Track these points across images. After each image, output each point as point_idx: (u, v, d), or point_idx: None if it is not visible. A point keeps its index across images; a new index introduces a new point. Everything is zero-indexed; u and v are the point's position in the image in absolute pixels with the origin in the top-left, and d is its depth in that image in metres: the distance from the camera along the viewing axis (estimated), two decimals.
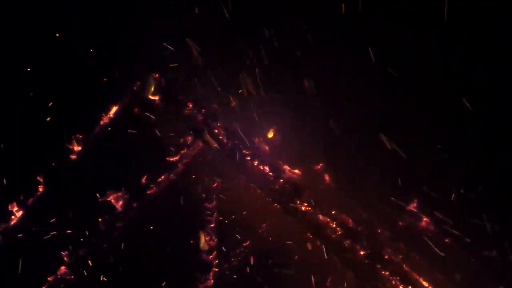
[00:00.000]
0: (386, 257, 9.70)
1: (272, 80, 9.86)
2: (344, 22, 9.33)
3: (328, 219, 9.84)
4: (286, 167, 9.99)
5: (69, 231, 9.90)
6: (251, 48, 9.85)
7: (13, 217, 9.94)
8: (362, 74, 9.56)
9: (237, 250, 9.95)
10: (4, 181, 9.84)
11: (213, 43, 9.94)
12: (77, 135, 10.03)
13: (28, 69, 9.85)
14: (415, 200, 9.64)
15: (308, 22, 9.45)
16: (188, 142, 10.19)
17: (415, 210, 9.69)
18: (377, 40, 9.28)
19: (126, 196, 9.98)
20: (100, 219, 9.96)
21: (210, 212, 10.00)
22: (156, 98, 10.16)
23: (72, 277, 9.84)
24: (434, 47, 9.17)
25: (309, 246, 9.79)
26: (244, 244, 9.98)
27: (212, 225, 9.98)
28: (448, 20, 8.81)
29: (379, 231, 9.75)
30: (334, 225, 9.83)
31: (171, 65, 9.93)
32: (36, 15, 9.95)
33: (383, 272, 9.71)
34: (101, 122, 10.11)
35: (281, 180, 9.94)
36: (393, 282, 9.67)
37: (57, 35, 10.04)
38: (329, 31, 9.47)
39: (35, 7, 9.95)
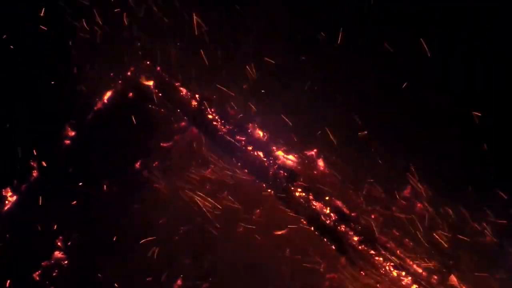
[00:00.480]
0: (380, 243, 9.68)
1: (266, 66, 9.84)
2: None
3: (322, 205, 9.82)
4: (280, 153, 9.97)
5: (63, 217, 9.89)
6: (248, 34, 9.85)
7: (6, 202, 9.95)
8: (356, 63, 9.56)
9: (230, 237, 9.92)
10: None
11: (209, 30, 9.94)
12: (71, 121, 10.02)
13: (19, 55, 9.82)
14: (409, 187, 9.61)
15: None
16: (182, 128, 10.17)
17: (409, 196, 9.67)
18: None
19: (119, 182, 9.97)
20: (94, 205, 9.95)
21: (203, 199, 9.98)
22: (151, 83, 10.14)
23: (66, 262, 9.83)
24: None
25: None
26: (237, 230, 9.95)
27: (205, 211, 9.97)
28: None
29: (373, 216, 9.72)
30: (328, 211, 9.81)
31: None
32: None
33: (377, 258, 9.69)
34: (95, 108, 10.09)
35: (275, 166, 9.92)
36: (387, 268, 9.66)
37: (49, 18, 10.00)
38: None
39: None
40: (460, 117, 9.05)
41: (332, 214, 9.79)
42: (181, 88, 10.09)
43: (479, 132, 8.95)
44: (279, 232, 9.80)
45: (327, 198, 9.83)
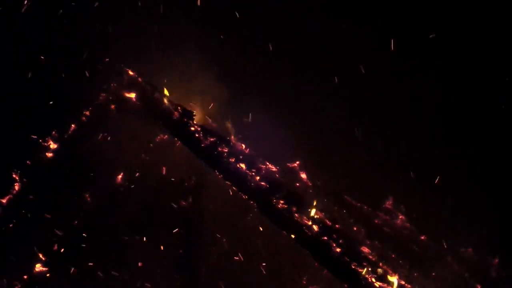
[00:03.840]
0: (362, 255, 9.67)
1: (250, 79, 9.89)
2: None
3: (304, 217, 9.80)
4: (263, 165, 9.95)
5: (45, 229, 9.87)
6: (228, 46, 9.91)
7: None
8: (341, 74, 9.62)
9: (213, 248, 9.94)
10: None
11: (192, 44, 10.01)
12: (53, 133, 9.98)
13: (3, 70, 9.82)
14: (391, 198, 9.64)
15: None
16: (164, 140, 10.18)
17: (390, 208, 9.69)
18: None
19: (101, 194, 9.96)
20: (76, 217, 9.93)
21: (185, 210, 9.99)
22: (133, 95, 10.12)
23: (48, 275, 9.79)
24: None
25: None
26: (220, 242, 9.98)
27: (188, 223, 9.97)
28: None
29: (355, 229, 9.73)
30: (310, 223, 9.79)
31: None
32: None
33: (359, 269, 9.68)
34: (78, 120, 10.06)
35: (258, 178, 9.89)
36: (369, 280, 9.64)
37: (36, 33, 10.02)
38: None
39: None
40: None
41: (314, 226, 9.76)
42: (164, 100, 10.06)
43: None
44: (261, 244, 9.82)
45: (309, 210, 9.82)
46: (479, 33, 8.95)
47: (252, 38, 9.79)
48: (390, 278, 9.30)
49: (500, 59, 8.99)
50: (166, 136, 10.15)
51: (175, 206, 10.03)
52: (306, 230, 9.80)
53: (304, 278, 9.76)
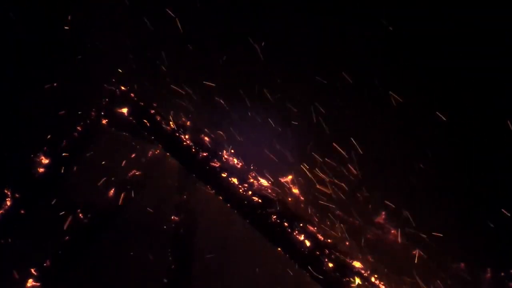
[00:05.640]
0: (354, 270, 9.65)
1: (241, 92, 9.90)
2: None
3: (296, 232, 9.79)
4: (255, 180, 9.95)
5: (37, 244, 9.85)
6: (220, 60, 9.91)
7: None
8: (331, 87, 9.63)
9: (204, 263, 9.93)
10: None
11: (183, 55, 9.99)
12: (45, 148, 9.98)
13: None
14: (383, 213, 9.63)
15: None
16: (157, 154, 10.18)
17: (383, 222, 9.68)
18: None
19: (94, 210, 9.94)
20: (67, 233, 9.91)
21: (178, 225, 9.97)
22: (125, 110, 10.12)
23: None
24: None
25: None
26: (212, 256, 9.98)
27: (179, 238, 9.96)
28: None
29: (347, 243, 9.71)
30: (302, 238, 9.77)
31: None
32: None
33: (352, 285, 9.66)
34: (69, 135, 10.06)
35: (250, 193, 9.88)
36: None
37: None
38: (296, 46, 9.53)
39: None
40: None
41: (306, 241, 9.75)
42: (156, 115, 10.05)
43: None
44: (253, 259, 9.81)
45: (301, 224, 9.79)
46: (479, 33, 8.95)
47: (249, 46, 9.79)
48: None
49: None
50: (158, 151, 10.13)
51: (167, 221, 10.00)
52: (298, 245, 9.78)
53: None
